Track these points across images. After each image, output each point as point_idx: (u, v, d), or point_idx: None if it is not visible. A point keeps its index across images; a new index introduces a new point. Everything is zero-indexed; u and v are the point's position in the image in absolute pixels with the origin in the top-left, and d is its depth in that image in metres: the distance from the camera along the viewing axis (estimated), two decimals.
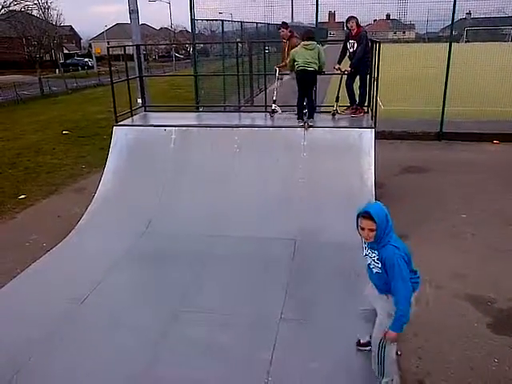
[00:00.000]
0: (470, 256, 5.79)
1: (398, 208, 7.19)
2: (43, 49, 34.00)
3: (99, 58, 51.49)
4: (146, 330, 4.45)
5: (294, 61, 7.28)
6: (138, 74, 9.85)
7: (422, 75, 15.54)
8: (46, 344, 4.29)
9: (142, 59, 10.46)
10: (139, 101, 9.49)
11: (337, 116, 8.11)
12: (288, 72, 8.10)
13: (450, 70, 11.18)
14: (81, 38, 74.31)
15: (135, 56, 10.12)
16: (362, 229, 3.21)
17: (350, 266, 5.37)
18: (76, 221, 6.88)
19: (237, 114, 9.38)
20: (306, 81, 7.36)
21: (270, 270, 5.54)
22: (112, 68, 8.40)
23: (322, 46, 7.67)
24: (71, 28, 66.22)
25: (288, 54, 7.82)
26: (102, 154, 9.25)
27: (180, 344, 4.27)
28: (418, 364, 3.95)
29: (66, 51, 59.45)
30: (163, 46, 63.80)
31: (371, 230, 3.16)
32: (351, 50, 7.84)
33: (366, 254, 3.41)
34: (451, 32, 12.05)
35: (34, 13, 33.96)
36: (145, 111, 9.32)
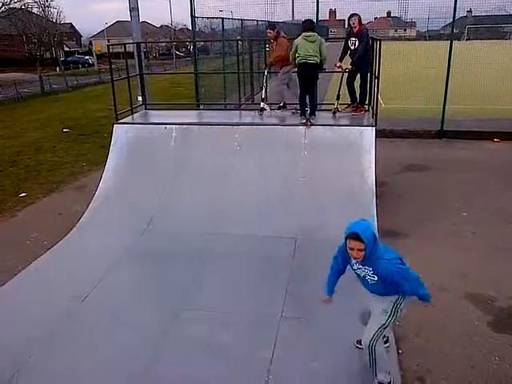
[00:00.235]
0: (471, 254, 5.79)
1: (398, 206, 7.22)
2: (43, 46, 33.96)
3: (100, 56, 51.41)
4: (146, 329, 4.45)
5: (296, 53, 7.23)
6: (138, 72, 9.84)
7: (423, 73, 15.53)
8: (47, 342, 4.29)
9: (143, 57, 10.45)
10: (139, 99, 9.48)
11: (337, 114, 8.10)
12: (279, 70, 8.11)
13: (450, 68, 11.16)
14: (81, 36, 74.19)
15: (135, 54, 10.11)
16: (351, 249, 3.25)
17: None
18: (77, 219, 6.88)
19: (237, 111, 9.37)
20: (308, 75, 7.31)
21: (271, 269, 5.54)
22: (112, 66, 8.39)
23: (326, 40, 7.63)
24: (71, 26, 66.12)
25: (275, 52, 7.86)
26: (102, 151, 9.25)
27: (180, 342, 4.27)
28: (419, 362, 3.96)
29: (66, 49, 59.33)
30: (164, 44, 63.81)
31: (360, 250, 3.20)
32: (352, 48, 7.81)
33: (357, 268, 3.43)
34: (452, 30, 12.03)
35: (34, 10, 33.97)
36: (145, 109, 9.31)
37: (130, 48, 11.28)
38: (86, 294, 5.02)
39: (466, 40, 29.93)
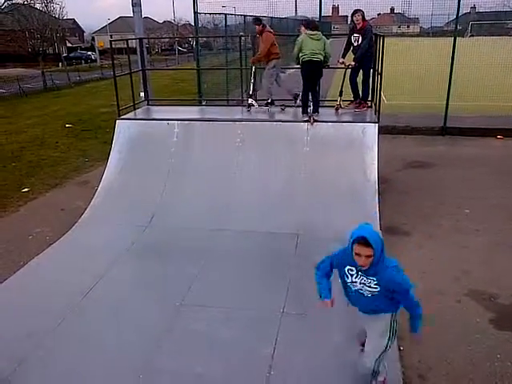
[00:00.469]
0: (473, 251, 5.78)
1: (401, 203, 7.21)
2: (46, 42, 33.91)
3: (102, 52, 51.39)
4: (148, 324, 4.46)
5: (300, 51, 7.21)
6: (140, 68, 9.83)
7: (426, 70, 15.45)
8: (49, 337, 4.30)
9: (145, 53, 10.43)
10: (142, 94, 9.48)
11: (340, 110, 8.09)
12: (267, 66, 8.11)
13: (454, 64, 11.12)
14: (84, 32, 74.13)
15: (138, 49, 10.10)
16: (358, 255, 2.95)
17: None
18: (79, 214, 6.89)
19: (239, 107, 9.35)
20: (313, 73, 7.31)
21: (273, 265, 5.55)
22: (115, 61, 8.38)
23: (328, 39, 7.61)
24: (74, 21, 66.09)
25: (261, 48, 7.86)
26: (104, 147, 9.26)
27: (182, 338, 4.28)
28: (420, 359, 3.96)
29: (68, 44, 59.38)
30: (166, 40, 63.63)
31: (368, 257, 2.94)
32: (355, 44, 7.79)
33: (352, 282, 3.16)
34: (456, 26, 11.97)
35: (37, 6, 33.87)
36: (147, 105, 9.31)
37: (133, 44, 11.31)
38: (87, 289, 5.03)
39: (470, 36, 29.80)
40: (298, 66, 7.60)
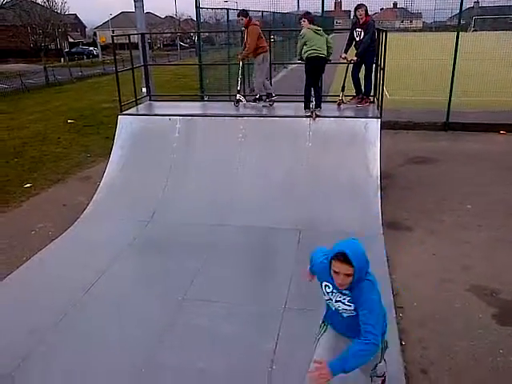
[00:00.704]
0: (475, 247, 5.77)
1: (403, 199, 7.20)
2: (48, 37, 33.98)
3: (104, 47, 51.35)
4: (149, 319, 4.47)
5: (304, 46, 7.16)
6: (142, 63, 9.81)
7: (429, 65, 15.41)
8: (51, 333, 4.31)
9: (147, 48, 10.40)
10: (144, 90, 9.46)
11: (342, 106, 8.07)
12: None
13: (457, 59, 11.07)
14: (85, 27, 74.09)
15: (140, 45, 10.07)
16: (336, 273, 2.63)
17: None
18: (81, 210, 6.90)
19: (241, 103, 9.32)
20: (318, 68, 7.29)
21: (275, 260, 5.55)
22: (117, 57, 8.36)
23: (328, 35, 7.60)
24: (76, 16, 66.08)
25: (248, 43, 7.74)
26: (106, 143, 9.26)
27: (184, 333, 4.28)
28: (422, 354, 3.96)
29: (70, 40, 59.35)
30: (168, 35, 63.55)
31: (348, 276, 2.60)
32: (358, 39, 7.76)
33: (329, 299, 2.89)
34: (459, 21, 11.91)
35: (39, 1, 33.87)
36: (149, 100, 9.31)
37: (135, 39, 11.25)
38: (89, 285, 5.04)
39: (473, 31, 29.68)
40: (300, 62, 7.59)
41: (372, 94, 8.23)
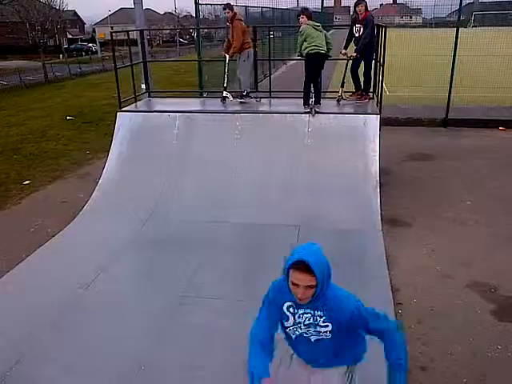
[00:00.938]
0: (475, 243, 5.77)
1: (402, 195, 7.20)
2: (47, 34, 33.74)
3: (103, 43, 51.18)
4: (148, 316, 4.47)
5: (304, 42, 7.13)
6: (141, 60, 9.78)
7: (428, 61, 15.38)
8: (50, 330, 4.31)
9: (146, 44, 10.37)
10: (143, 86, 9.44)
11: (342, 102, 8.05)
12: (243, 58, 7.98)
13: (456, 55, 11.05)
14: (84, 23, 73.87)
15: (139, 41, 10.04)
16: (295, 285, 2.20)
17: (353, 252, 5.40)
18: (80, 206, 6.90)
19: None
20: (318, 65, 7.28)
21: (274, 256, 5.53)
22: (116, 53, 8.34)
23: (328, 31, 7.59)
24: (75, 13, 65.82)
25: (234, 40, 7.68)
26: (106, 139, 9.24)
27: (183, 330, 4.28)
28: (422, 350, 3.96)
29: (69, 36, 59.12)
30: (167, 31, 63.41)
31: (309, 288, 2.18)
32: (357, 35, 7.74)
33: (293, 325, 2.40)
34: (459, 17, 11.90)
35: None
36: (149, 97, 9.29)
37: (134, 35, 11.21)
38: (89, 281, 5.04)
39: (473, 27, 29.63)
40: (299, 58, 7.57)
41: (371, 90, 8.21)
